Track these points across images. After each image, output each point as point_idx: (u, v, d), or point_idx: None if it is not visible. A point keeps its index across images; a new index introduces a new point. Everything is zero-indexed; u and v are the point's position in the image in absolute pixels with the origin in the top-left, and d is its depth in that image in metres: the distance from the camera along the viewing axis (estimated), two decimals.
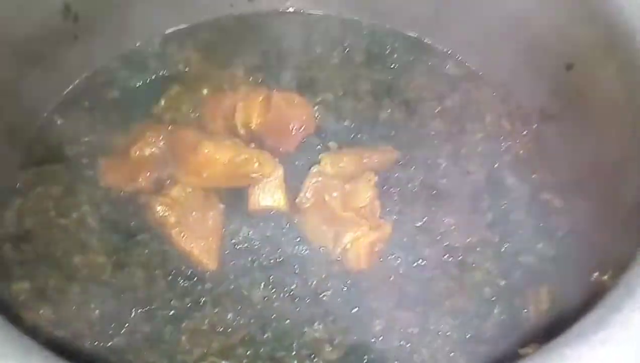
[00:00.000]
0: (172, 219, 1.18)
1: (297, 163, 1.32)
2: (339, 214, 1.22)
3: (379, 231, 1.21)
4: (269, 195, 1.24)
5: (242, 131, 1.32)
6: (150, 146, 1.30)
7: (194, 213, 1.20)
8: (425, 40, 1.62)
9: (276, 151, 1.30)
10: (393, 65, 1.57)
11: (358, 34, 1.62)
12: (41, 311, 1.12)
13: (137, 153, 1.29)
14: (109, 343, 1.10)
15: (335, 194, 1.23)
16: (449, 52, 1.60)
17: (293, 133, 1.35)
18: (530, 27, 1.36)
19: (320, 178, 1.25)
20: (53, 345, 1.06)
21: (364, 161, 1.31)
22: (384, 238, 1.22)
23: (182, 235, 1.18)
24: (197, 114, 1.39)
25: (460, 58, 1.58)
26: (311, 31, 1.59)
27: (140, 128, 1.36)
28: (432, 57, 1.59)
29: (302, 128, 1.35)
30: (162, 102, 1.41)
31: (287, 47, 1.55)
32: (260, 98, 1.33)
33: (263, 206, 1.24)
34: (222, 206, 1.24)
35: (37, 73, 1.37)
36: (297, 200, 1.25)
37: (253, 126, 1.33)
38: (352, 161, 1.29)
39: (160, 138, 1.30)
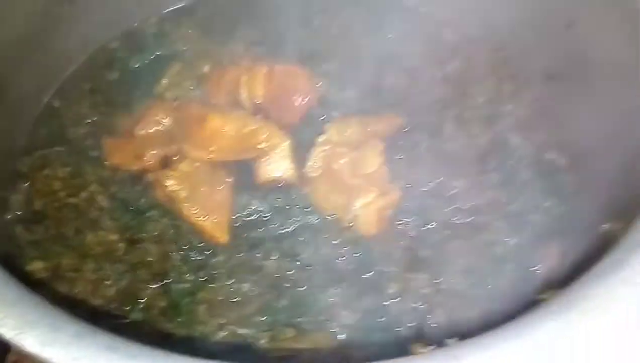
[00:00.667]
0: (182, 194, 1.18)
1: (302, 134, 1.32)
2: (348, 181, 1.22)
3: (389, 196, 1.21)
4: (277, 166, 1.24)
5: (246, 105, 1.32)
6: (154, 124, 1.29)
7: (203, 188, 1.20)
8: (420, 9, 1.62)
9: (281, 124, 1.30)
10: (391, 35, 1.57)
11: (356, 4, 1.62)
12: (58, 289, 1.12)
13: (142, 131, 1.29)
14: (126, 320, 1.11)
15: (342, 161, 1.24)
16: (445, 20, 1.60)
17: (297, 105, 1.34)
18: None
19: (327, 147, 1.25)
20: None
21: (370, 128, 1.31)
22: (393, 203, 1.22)
23: (192, 209, 1.18)
24: (200, 91, 1.39)
25: (457, 24, 1.58)
26: (309, 3, 1.58)
27: (143, 107, 1.36)
28: (428, 26, 1.59)
29: (306, 100, 1.35)
30: (164, 80, 1.41)
31: (285, 20, 1.54)
32: (263, 71, 1.33)
33: (272, 178, 1.25)
34: (230, 179, 1.24)
35: (35, 58, 1.37)
36: (305, 170, 1.25)
37: (257, 99, 1.33)
38: (358, 128, 1.30)
39: (165, 115, 1.30)
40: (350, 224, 1.21)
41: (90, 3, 1.45)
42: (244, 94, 1.32)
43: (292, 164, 1.25)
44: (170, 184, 1.18)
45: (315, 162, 1.25)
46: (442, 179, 1.29)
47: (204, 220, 1.18)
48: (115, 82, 1.47)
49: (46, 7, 1.35)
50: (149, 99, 1.39)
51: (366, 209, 1.20)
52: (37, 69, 1.38)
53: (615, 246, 0.91)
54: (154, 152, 1.26)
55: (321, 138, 1.27)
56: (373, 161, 1.25)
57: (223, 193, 1.22)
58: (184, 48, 1.51)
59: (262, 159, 1.24)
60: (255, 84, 1.32)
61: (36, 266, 1.13)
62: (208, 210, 1.18)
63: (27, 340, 0.71)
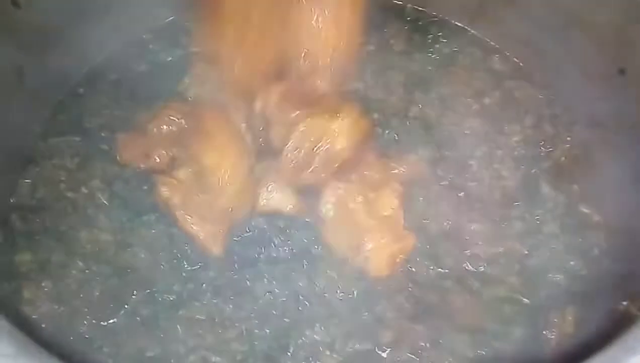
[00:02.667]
0: (175, 201, 1.13)
1: None
2: (363, 222, 1.15)
3: (403, 242, 1.14)
4: (280, 198, 1.18)
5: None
6: (168, 123, 1.26)
7: (201, 196, 1.15)
8: (471, 31, 1.53)
9: None
10: (434, 55, 1.48)
11: (400, 19, 1.54)
12: (42, 284, 1.10)
13: (155, 129, 1.25)
14: (106, 323, 1.08)
15: (359, 200, 1.16)
16: (495, 46, 1.50)
17: None
18: (584, 25, 1.25)
19: (343, 184, 1.18)
20: (50, 319, 1.07)
21: (391, 172, 1.24)
22: (406, 249, 1.15)
23: (187, 217, 1.13)
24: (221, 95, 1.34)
25: (507, 53, 1.48)
26: None
27: (162, 106, 1.32)
28: (476, 50, 1.49)
29: None
30: (186, 79, 1.37)
31: None
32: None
33: (272, 209, 1.18)
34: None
35: (65, 45, 1.35)
36: (319, 206, 1.18)
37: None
38: (379, 171, 1.22)
39: (180, 115, 1.26)
40: (359, 266, 1.13)
41: None
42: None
43: (296, 199, 1.18)
44: (164, 189, 1.13)
45: (330, 197, 1.18)
46: (460, 220, 1.21)
47: (199, 230, 1.13)
48: (142, 75, 1.44)
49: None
50: (171, 96, 1.35)
51: (378, 252, 1.13)
52: (65, 55, 1.36)
53: (630, 330, 0.83)
54: (163, 152, 1.23)
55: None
56: (390, 204, 1.17)
57: (224, 204, 1.16)
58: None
59: (264, 189, 1.18)
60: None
61: (24, 258, 1.12)
62: (204, 219, 1.13)
63: None
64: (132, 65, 1.45)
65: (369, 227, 1.14)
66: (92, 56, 1.44)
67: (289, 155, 1.12)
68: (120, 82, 1.41)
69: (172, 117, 1.27)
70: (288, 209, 1.17)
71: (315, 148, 1.12)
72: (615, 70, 1.19)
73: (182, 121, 1.26)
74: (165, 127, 1.26)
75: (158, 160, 1.22)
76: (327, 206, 1.17)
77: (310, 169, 1.13)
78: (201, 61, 1.39)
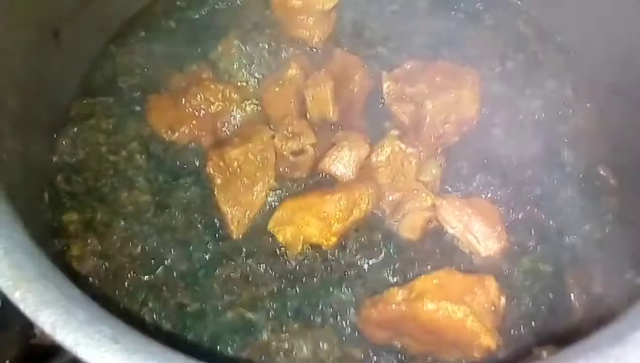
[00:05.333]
0: (218, 181, 1.20)
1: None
2: (411, 182, 1.22)
3: (441, 208, 1.20)
4: (342, 165, 1.24)
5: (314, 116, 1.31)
6: (197, 102, 1.30)
7: (244, 180, 1.21)
8: None
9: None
10: (459, 14, 1.49)
11: None
12: (88, 241, 1.18)
13: (185, 104, 1.30)
14: (147, 277, 1.16)
15: (413, 161, 1.23)
16: (521, 6, 1.50)
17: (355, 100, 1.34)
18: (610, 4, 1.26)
19: (399, 143, 1.24)
20: (97, 274, 1.16)
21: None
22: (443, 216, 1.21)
23: (222, 195, 1.20)
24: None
25: (533, 14, 1.48)
26: None
27: (195, 71, 1.37)
28: (503, 9, 1.50)
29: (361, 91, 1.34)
30: (219, 47, 1.39)
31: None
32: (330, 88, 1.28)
33: (332, 172, 1.25)
34: (273, 181, 1.24)
35: (95, 4, 1.37)
36: (371, 156, 1.24)
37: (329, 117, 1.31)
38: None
39: (213, 98, 1.30)
40: (397, 222, 1.20)
41: None
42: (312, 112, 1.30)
43: (356, 168, 1.24)
44: (210, 165, 1.21)
45: (382, 153, 1.24)
46: (483, 187, 1.26)
47: (228, 210, 1.20)
48: (172, 32, 1.47)
49: None
50: (202, 62, 1.39)
51: (415, 213, 1.19)
52: (96, 12, 1.38)
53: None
54: (187, 131, 1.28)
55: (394, 132, 1.26)
56: (432, 170, 1.24)
57: (259, 192, 1.22)
58: (242, 3, 1.49)
59: (331, 156, 1.24)
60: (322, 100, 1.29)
61: (70, 218, 1.19)
62: (236, 202, 1.20)
63: (41, 318, 0.76)
64: (161, 22, 1.48)
65: (414, 188, 1.21)
66: (121, 13, 1.47)
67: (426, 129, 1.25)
68: (151, 40, 1.44)
69: (201, 97, 1.30)
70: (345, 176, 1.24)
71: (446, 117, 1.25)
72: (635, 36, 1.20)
73: (213, 105, 1.30)
74: (194, 106, 1.30)
75: (184, 134, 1.28)
76: (379, 159, 1.24)
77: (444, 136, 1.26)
78: (233, 29, 1.42)
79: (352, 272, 1.17)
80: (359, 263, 1.18)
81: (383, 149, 1.24)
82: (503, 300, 1.08)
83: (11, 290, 0.77)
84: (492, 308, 1.06)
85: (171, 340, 0.75)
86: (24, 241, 0.83)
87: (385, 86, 1.30)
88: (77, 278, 1.12)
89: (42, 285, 0.78)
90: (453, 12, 1.49)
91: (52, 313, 0.75)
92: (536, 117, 1.34)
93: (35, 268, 0.80)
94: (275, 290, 1.14)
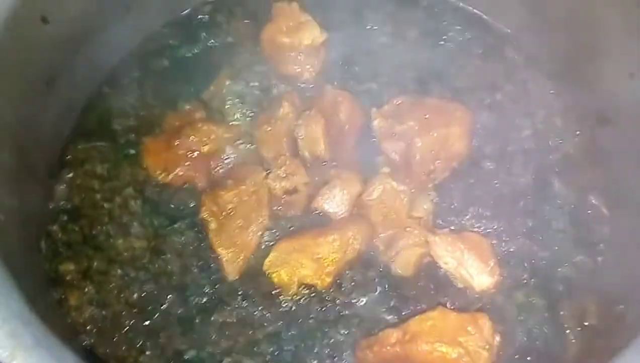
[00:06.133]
0: (212, 225, 1.22)
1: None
2: (403, 219, 1.23)
3: (434, 245, 1.21)
4: (335, 203, 1.25)
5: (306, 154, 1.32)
6: (191, 144, 1.32)
7: (239, 221, 1.23)
8: (484, 17, 1.54)
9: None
10: (448, 43, 1.50)
11: (415, 6, 1.55)
12: (86, 290, 1.19)
13: (179, 146, 1.31)
14: (145, 324, 1.18)
15: (404, 198, 1.24)
16: (510, 34, 1.51)
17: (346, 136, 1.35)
18: (599, 29, 1.28)
19: (390, 181, 1.25)
20: (95, 322, 1.17)
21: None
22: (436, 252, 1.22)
23: (217, 238, 1.21)
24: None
25: (522, 41, 1.50)
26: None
27: (189, 109, 1.38)
28: (491, 37, 1.51)
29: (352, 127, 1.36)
30: (212, 87, 1.42)
31: (338, 18, 1.49)
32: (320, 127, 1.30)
33: (324, 210, 1.26)
34: (267, 221, 1.25)
35: (90, 46, 1.39)
36: (363, 195, 1.26)
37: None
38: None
39: (206, 140, 1.32)
40: (391, 260, 1.22)
41: None
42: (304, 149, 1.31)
43: (349, 206, 1.26)
44: (204, 210, 1.23)
45: (375, 191, 1.26)
46: (473, 219, 1.27)
47: (223, 252, 1.21)
48: (165, 72, 1.48)
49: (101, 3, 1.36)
50: (195, 101, 1.40)
51: (409, 251, 1.21)
52: (90, 58, 1.40)
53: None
54: (181, 173, 1.30)
55: (385, 170, 1.28)
56: (424, 206, 1.25)
57: (254, 233, 1.23)
58: (233, 41, 1.51)
59: (324, 195, 1.26)
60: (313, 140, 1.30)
61: (67, 268, 1.21)
62: (231, 243, 1.21)
63: None
64: (154, 61, 1.49)
65: (406, 225, 1.23)
66: (114, 55, 1.49)
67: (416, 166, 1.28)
68: (144, 81, 1.46)
69: (195, 140, 1.32)
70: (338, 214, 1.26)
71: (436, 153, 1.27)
72: (626, 73, 1.21)
73: (206, 147, 1.32)
74: (188, 148, 1.31)
75: (178, 176, 1.30)
76: (371, 197, 1.26)
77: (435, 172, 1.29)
78: (226, 68, 1.44)
79: (347, 311, 1.18)
80: (354, 302, 1.19)
81: (374, 187, 1.25)
82: (497, 338, 1.09)
83: (8, 359, 0.78)
84: (487, 347, 1.08)
85: None
86: (20, 308, 0.85)
87: (375, 123, 1.32)
88: (75, 327, 1.17)
89: (37, 354, 0.79)
90: (442, 42, 1.50)
91: None
92: (526, 147, 1.35)
93: (31, 337, 0.81)
94: (272, 332, 1.15)
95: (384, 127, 1.31)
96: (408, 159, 1.27)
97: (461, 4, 1.56)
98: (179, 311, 1.18)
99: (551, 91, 1.41)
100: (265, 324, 1.16)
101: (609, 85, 1.28)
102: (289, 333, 1.16)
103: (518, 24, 1.50)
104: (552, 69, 1.43)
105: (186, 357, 1.13)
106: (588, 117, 1.35)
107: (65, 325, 1.15)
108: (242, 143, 1.35)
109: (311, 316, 1.17)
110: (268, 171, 1.28)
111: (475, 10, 1.55)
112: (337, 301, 1.19)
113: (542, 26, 1.43)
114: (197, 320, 1.17)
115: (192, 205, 1.27)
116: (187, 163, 1.30)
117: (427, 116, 1.28)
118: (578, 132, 1.36)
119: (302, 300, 1.19)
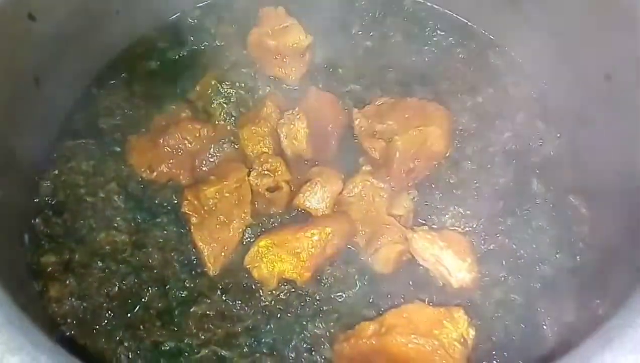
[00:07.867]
0: (193, 220, 1.23)
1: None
2: (383, 216, 1.24)
3: (412, 242, 1.22)
4: (316, 200, 1.27)
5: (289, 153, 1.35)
6: (175, 142, 1.33)
7: (221, 217, 1.24)
8: (469, 24, 1.57)
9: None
10: (432, 48, 1.53)
11: (399, 12, 1.59)
12: (66, 282, 1.20)
13: (163, 142, 1.33)
14: (125, 316, 1.18)
15: (384, 196, 1.26)
16: (494, 40, 1.54)
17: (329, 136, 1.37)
18: (576, 33, 1.31)
19: (370, 179, 1.27)
20: (75, 314, 1.18)
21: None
22: (415, 249, 1.23)
23: (199, 233, 1.22)
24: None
25: (504, 45, 1.52)
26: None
27: (173, 114, 1.40)
28: (474, 42, 1.54)
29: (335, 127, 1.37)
30: (197, 87, 1.44)
31: (324, 22, 1.52)
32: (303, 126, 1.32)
33: (305, 207, 1.27)
34: (249, 218, 1.26)
35: (78, 47, 1.41)
36: (344, 193, 1.28)
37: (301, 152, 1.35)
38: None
39: (191, 138, 1.34)
40: (369, 258, 1.23)
41: None
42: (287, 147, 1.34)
43: (330, 203, 1.27)
44: (186, 204, 1.23)
45: (355, 188, 1.27)
46: (455, 219, 1.29)
47: (205, 247, 1.22)
48: (153, 73, 1.51)
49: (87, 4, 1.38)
50: (181, 101, 1.42)
51: (388, 247, 1.21)
52: (78, 58, 1.42)
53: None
54: (165, 170, 1.32)
55: (366, 168, 1.29)
56: (404, 204, 1.26)
57: (235, 230, 1.24)
58: (221, 44, 1.53)
59: (305, 192, 1.27)
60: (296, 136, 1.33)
61: (49, 260, 1.22)
62: (213, 239, 1.22)
63: None
64: (142, 63, 1.52)
65: (386, 222, 1.24)
66: (103, 56, 1.51)
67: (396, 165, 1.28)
68: (132, 81, 1.48)
69: (180, 137, 1.33)
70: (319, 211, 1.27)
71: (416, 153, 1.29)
72: (602, 75, 1.23)
73: (192, 144, 1.34)
74: (173, 145, 1.33)
75: (161, 174, 1.31)
76: (351, 194, 1.27)
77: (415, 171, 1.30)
78: (212, 68, 1.47)
79: (326, 307, 1.19)
80: (333, 297, 1.20)
81: (355, 184, 1.27)
82: (472, 332, 1.10)
83: None
84: (462, 340, 1.08)
85: None
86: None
87: (356, 122, 1.34)
88: (55, 319, 1.17)
89: (7, 332, 0.80)
90: (426, 47, 1.53)
91: (18, 361, 0.78)
92: (507, 148, 1.37)
93: (2, 316, 0.82)
94: (251, 326, 1.16)
95: (365, 127, 1.33)
96: (388, 158, 1.29)
97: (446, 11, 1.59)
98: (159, 305, 1.19)
99: (533, 95, 1.43)
100: (244, 318, 1.17)
101: (587, 87, 1.30)
102: (268, 327, 1.16)
103: (501, 31, 1.53)
104: (533, 74, 1.46)
105: (164, 348, 1.14)
106: (568, 119, 1.37)
107: (46, 317, 1.16)
108: (226, 142, 1.36)
109: (290, 310, 1.18)
110: (251, 169, 1.30)
111: (459, 17, 1.58)
112: (317, 297, 1.19)
113: (525, 33, 1.46)
114: (176, 312, 1.17)
115: (175, 202, 1.29)
116: (171, 161, 1.31)
117: (407, 116, 1.30)
118: (558, 135, 1.38)
119: (281, 295, 1.19)
